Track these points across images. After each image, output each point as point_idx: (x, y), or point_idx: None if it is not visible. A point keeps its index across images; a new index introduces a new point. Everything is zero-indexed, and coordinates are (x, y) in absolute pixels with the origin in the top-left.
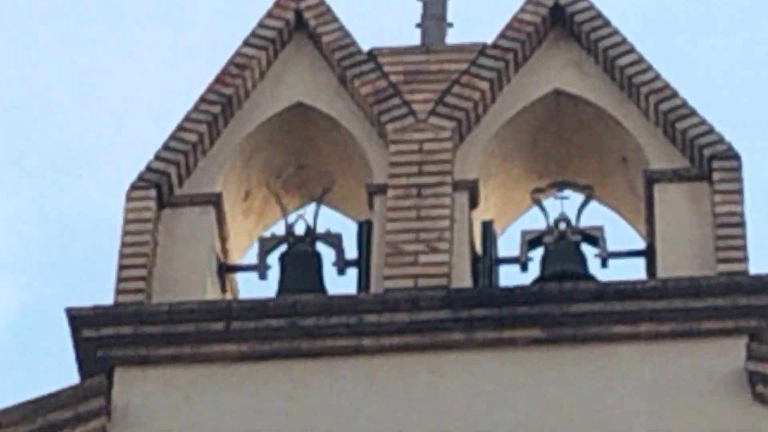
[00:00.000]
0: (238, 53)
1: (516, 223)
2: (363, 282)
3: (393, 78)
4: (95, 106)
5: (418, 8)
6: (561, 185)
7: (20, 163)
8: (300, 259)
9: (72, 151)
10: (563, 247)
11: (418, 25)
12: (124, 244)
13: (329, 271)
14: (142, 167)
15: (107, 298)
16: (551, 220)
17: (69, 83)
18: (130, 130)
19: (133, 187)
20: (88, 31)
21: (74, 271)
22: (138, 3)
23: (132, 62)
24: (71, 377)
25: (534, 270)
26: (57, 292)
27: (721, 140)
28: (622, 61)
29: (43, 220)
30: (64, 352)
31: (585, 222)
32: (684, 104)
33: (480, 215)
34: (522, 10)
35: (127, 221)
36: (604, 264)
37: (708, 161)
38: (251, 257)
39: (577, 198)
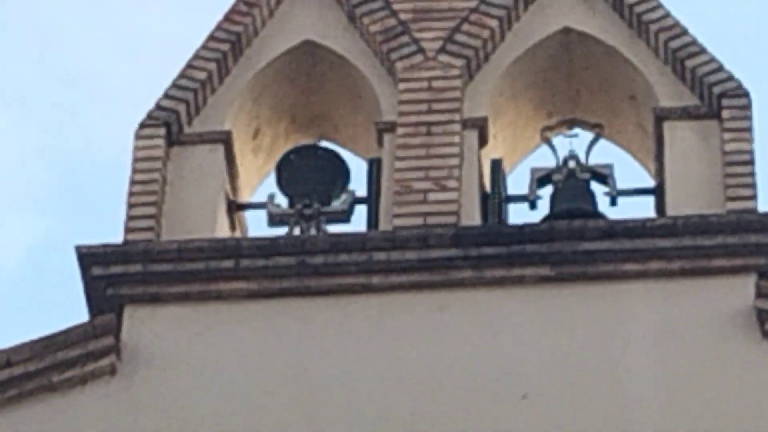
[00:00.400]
0: None
1: (525, 161)
2: (372, 220)
3: (402, 16)
4: (105, 42)
5: None
6: (570, 123)
7: (29, 100)
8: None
9: (81, 88)
10: (572, 185)
11: None
12: (133, 183)
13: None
14: (152, 105)
15: (117, 237)
16: (560, 158)
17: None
18: (140, 67)
19: (143, 125)
20: None
21: (84, 209)
22: None
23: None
24: (81, 315)
25: (543, 208)
26: (67, 230)
27: (730, 78)
28: None
29: (52, 158)
30: (73, 290)
31: (594, 160)
32: (693, 42)
33: (489, 153)
34: None
35: (136, 159)
36: (613, 202)
37: (717, 99)
38: (261, 195)
39: (587, 136)
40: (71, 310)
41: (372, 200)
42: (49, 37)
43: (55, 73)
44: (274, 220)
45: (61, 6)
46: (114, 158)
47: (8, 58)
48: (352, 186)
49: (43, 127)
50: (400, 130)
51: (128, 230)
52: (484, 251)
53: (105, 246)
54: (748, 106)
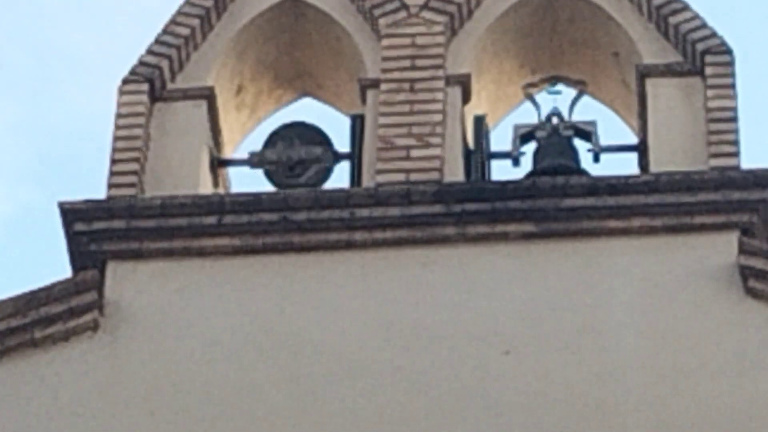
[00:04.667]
0: None
1: (508, 117)
2: (355, 176)
3: None
4: (78, 12)
5: None
6: (554, 80)
7: (11, 62)
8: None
9: (64, 50)
10: (555, 142)
11: None
12: (116, 138)
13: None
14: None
15: (100, 193)
16: (544, 115)
17: None
18: (114, 36)
19: (125, 81)
20: None
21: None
22: None
23: None
24: (64, 271)
25: (526, 164)
26: (50, 187)
27: (714, 35)
28: None
29: (35, 117)
30: (56, 246)
31: (577, 116)
32: None
33: (472, 110)
34: None
35: (119, 115)
36: (596, 159)
37: (701, 56)
38: (244, 151)
39: (570, 93)
40: (54, 266)
41: (355, 156)
42: (22, 8)
43: (29, 43)
44: (253, 162)
45: None
46: (98, 117)
47: None
48: (336, 142)
49: (18, 98)
50: (383, 87)
51: (111, 186)
52: (467, 207)
53: (88, 202)
54: (731, 63)
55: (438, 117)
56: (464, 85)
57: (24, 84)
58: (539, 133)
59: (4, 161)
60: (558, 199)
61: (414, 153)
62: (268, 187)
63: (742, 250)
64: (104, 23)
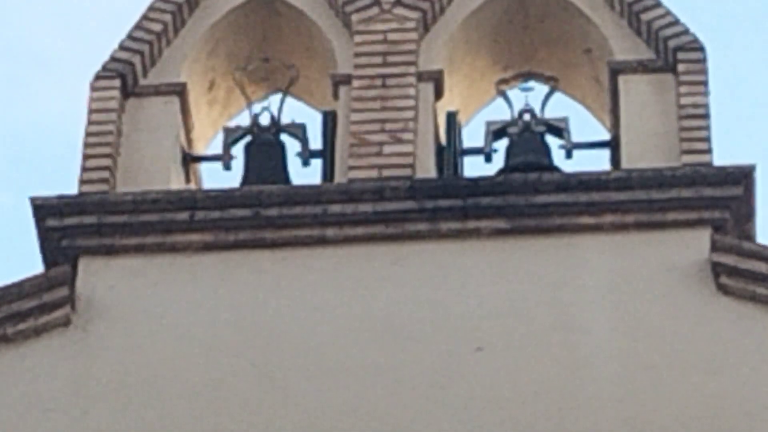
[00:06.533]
0: None
1: (480, 114)
2: (327, 172)
3: None
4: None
5: None
6: (526, 76)
7: None
8: (264, 149)
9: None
10: (528, 138)
11: None
12: (88, 134)
13: (294, 162)
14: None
15: (72, 189)
16: (516, 111)
17: None
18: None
19: (98, 76)
20: None
21: (37, 164)
22: None
23: None
24: (36, 267)
25: (498, 161)
26: (20, 185)
27: (686, 31)
28: None
29: (3, 116)
30: (28, 242)
31: (549, 113)
32: None
33: (445, 106)
34: None
35: (91, 111)
36: (568, 155)
37: (673, 53)
38: (216, 147)
39: (542, 89)
40: (26, 261)
41: (327, 152)
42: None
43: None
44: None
45: None
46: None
47: None
48: (308, 138)
49: None
50: (355, 83)
51: (83, 182)
52: (440, 204)
53: (60, 197)
54: (703, 60)
55: (410, 113)
56: (437, 81)
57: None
58: (511, 130)
59: None
60: (530, 195)
61: (386, 149)
62: (239, 183)
63: (714, 247)
64: (71, 21)
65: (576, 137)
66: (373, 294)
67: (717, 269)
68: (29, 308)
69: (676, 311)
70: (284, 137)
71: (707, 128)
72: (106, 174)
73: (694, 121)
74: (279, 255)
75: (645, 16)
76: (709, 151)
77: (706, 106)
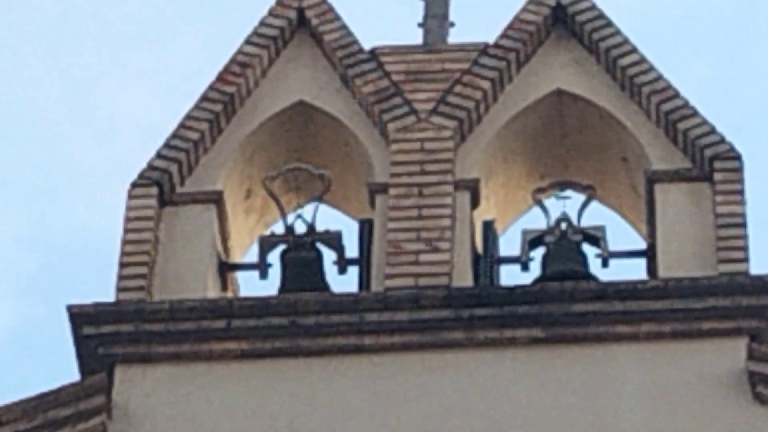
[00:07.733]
0: (240, 51)
1: (517, 222)
2: (364, 281)
3: (394, 77)
4: (82, 126)
5: (420, 7)
6: (562, 185)
7: (12, 177)
8: (301, 257)
9: (65, 160)
10: (564, 247)
11: (420, 25)
12: (125, 242)
13: (330, 270)
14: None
15: (109, 296)
16: (552, 220)
17: (56, 103)
18: (117, 150)
19: (135, 185)
20: (80, 38)
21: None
22: None
23: (128, 76)
24: (72, 375)
25: (535, 269)
26: (59, 290)
27: (722, 140)
28: (624, 61)
29: (38, 229)
30: (65, 349)
31: (586, 222)
32: (686, 104)
33: (481, 215)
34: (524, 9)
35: (128, 219)
36: (605, 264)
37: (709, 162)
38: (252, 256)
39: (579, 198)
40: (63, 369)
41: (363, 261)
42: (26, 122)
43: (33, 158)
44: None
45: (38, 91)
46: (95, 231)
47: None
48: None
49: (20, 211)
50: (392, 191)
51: (120, 290)
52: (476, 312)
53: (97, 305)
54: (739, 169)
55: (447, 222)
56: (473, 190)
57: (25, 197)
58: (548, 238)
59: (9, 275)
60: (566, 304)
61: (423, 258)
62: (275, 291)
63: (751, 356)
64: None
65: (613, 246)
66: (409, 403)
67: (754, 378)
68: (66, 416)
69: (713, 420)
70: (321, 245)
71: (744, 237)
72: (142, 282)
73: (731, 230)
74: (316, 363)
75: (682, 125)
76: (746, 260)
77: (743, 215)
